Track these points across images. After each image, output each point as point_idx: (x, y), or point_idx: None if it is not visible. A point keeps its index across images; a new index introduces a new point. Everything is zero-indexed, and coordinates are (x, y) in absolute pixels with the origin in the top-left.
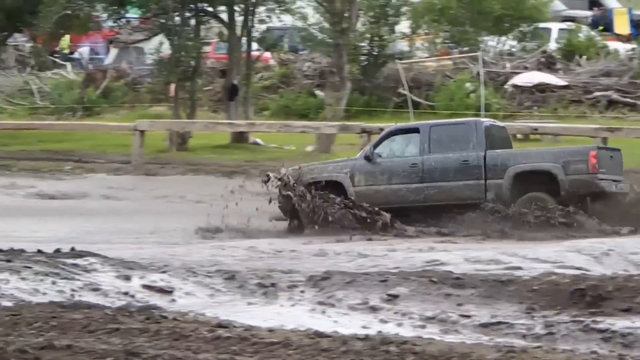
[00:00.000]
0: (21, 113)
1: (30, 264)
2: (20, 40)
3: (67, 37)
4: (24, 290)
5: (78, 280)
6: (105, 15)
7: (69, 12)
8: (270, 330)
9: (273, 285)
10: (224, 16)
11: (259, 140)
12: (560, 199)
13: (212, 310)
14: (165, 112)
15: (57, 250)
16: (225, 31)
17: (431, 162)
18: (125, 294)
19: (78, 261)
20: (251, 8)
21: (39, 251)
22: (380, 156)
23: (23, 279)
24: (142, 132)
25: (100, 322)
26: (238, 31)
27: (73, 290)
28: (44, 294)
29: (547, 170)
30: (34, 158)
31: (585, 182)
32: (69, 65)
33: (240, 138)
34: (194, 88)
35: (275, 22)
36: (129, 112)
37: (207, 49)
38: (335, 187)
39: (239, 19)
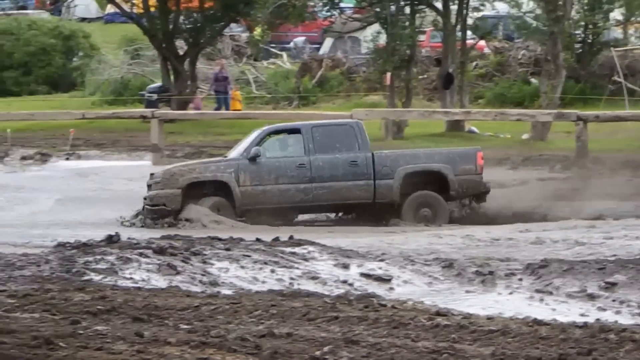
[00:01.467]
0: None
1: (250, 252)
2: (236, 30)
3: (258, 28)
4: (244, 278)
5: (297, 268)
6: (320, 5)
7: (284, 1)
8: (489, 318)
9: (491, 273)
10: (439, 4)
11: (474, 129)
12: (450, 198)
13: (431, 298)
14: (381, 101)
15: (276, 239)
16: (439, 19)
17: (319, 163)
18: (344, 282)
19: (297, 249)
20: None
21: (258, 240)
22: (258, 156)
23: (242, 267)
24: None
25: (319, 310)
26: (452, 19)
27: (292, 278)
28: (263, 282)
29: (437, 171)
30: None
31: (473, 182)
32: (284, 55)
33: (455, 126)
34: (409, 77)
35: (489, 10)
36: (344, 101)
37: (421, 37)
38: (220, 187)
39: (453, 7)
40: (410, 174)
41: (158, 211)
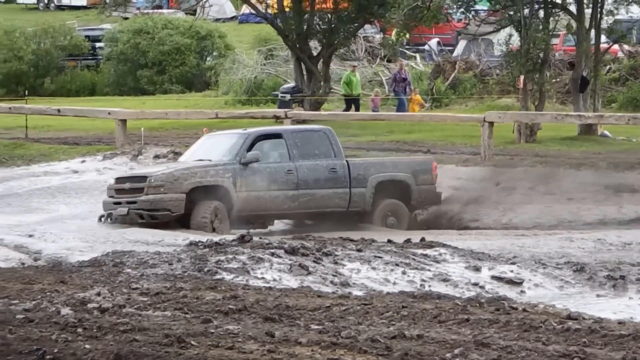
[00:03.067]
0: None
1: (381, 253)
2: (369, 31)
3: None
4: (375, 279)
5: (428, 270)
6: (454, 7)
7: (419, 3)
8: (620, 322)
9: (622, 277)
10: (573, 8)
11: (607, 133)
12: (411, 208)
13: (561, 302)
14: (514, 103)
15: (407, 241)
16: (573, 23)
17: (304, 169)
18: (475, 284)
19: (428, 251)
20: (600, 0)
21: (389, 241)
22: (257, 161)
23: (374, 268)
24: (491, 123)
25: (450, 312)
26: (586, 23)
27: (423, 280)
28: (395, 283)
29: (402, 180)
30: (383, 149)
31: (430, 192)
32: (418, 56)
33: (588, 130)
34: (543, 80)
35: (623, 14)
36: (477, 103)
37: (555, 41)
38: (219, 192)
39: (587, 10)
40: (382, 182)
41: (160, 216)
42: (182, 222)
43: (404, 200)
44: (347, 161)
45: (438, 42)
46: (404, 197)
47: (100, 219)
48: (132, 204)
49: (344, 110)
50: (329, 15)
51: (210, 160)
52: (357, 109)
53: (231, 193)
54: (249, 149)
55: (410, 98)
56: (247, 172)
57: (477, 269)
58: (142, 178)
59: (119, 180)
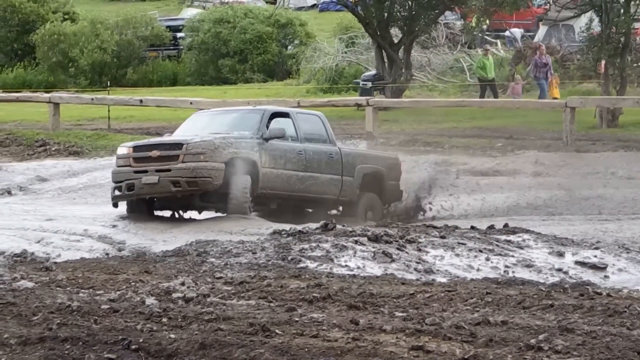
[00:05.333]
0: (452, 90)
1: (464, 240)
2: (450, 18)
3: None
4: (458, 266)
5: (511, 256)
6: None
7: None
8: None
9: None
10: None
11: None
12: (383, 202)
13: None
14: (595, 89)
15: (491, 227)
16: None
17: (310, 152)
18: (559, 270)
19: (511, 237)
20: None
21: (473, 228)
22: (282, 137)
23: (457, 255)
24: (572, 108)
25: (534, 298)
26: None
27: (507, 266)
28: (478, 270)
29: (382, 174)
30: (464, 135)
31: (397, 189)
32: (499, 42)
33: None
34: (624, 64)
35: None
36: (558, 89)
37: (636, 25)
38: (250, 166)
39: None
40: (367, 174)
41: (201, 184)
42: (149, 203)
43: (378, 195)
44: (339, 148)
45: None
46: (379, 191)
47: (115, 200)
48: (164, 172)
49: (480, 97)
50: (410, 2)
51: (228, 133)
52: (495, 94)
53: (259, 168)
54: (267, 125)
55: (551, 81)
56: (269, 147)
57: (561, 255)
58: (176, 145)
59: (139, 148)
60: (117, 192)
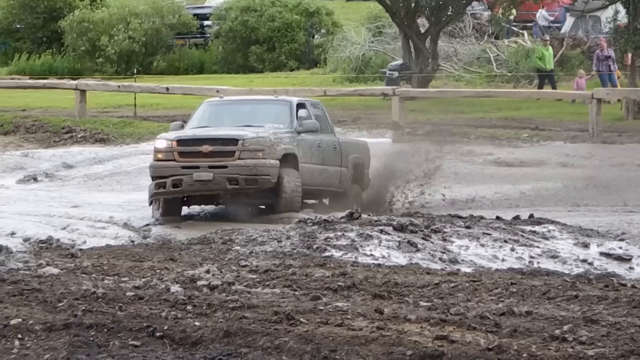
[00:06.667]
0: (478, 81)
1: (490, 230)
2: (477, 8)
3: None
4: (483, 256)
5: (537, 247)
6: None
7: None
8: None
9: None
10: None
11: None
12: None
13: None
14: (622, 80)
15: (516, 217)
16: None
17: (324, 144)
18: (584, 261)
19: (537, 228)
20: None
21: (498, 218)
22: (316, 130)
23: (482, 245)
24: (598, 100)
25: (559, 289)
26: None
27: (532, 257)
28: (503, 260)
29: (364, 163)
30: (491, 125)
31: (367, 177)
32: (525, 33)
33: None
34: None
35: None
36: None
37: None
38: (294, 161)
39: None
40: (356, 164)
41: (260, 182)
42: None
43: (359, 184)
44: (338, 139)
45: (549, 26)
46: (360, 180)
47: (155, 197)
48: (220, 168)
49: (538, 88)
50: None
51: (261, 126)
52: (553, 86)
53: (299, 163)
54: (296, 116)
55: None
56: (301, 141)
57: (586, 246)
58: (231, 141)
59: (185, 142)
60: (159, 189)
